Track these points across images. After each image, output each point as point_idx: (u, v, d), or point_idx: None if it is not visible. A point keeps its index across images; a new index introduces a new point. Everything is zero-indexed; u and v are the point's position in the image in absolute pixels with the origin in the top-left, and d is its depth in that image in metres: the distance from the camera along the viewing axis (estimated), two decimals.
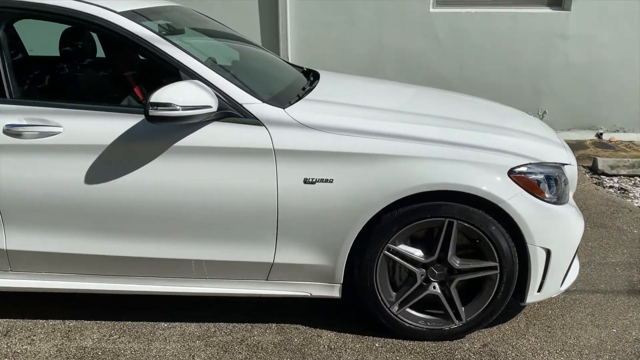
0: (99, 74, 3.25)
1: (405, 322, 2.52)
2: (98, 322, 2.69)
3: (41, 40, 3.62)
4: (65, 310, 2.76)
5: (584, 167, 5.03)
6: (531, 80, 5.84)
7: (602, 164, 4.92)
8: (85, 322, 2.69)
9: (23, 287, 2.52)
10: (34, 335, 2.60)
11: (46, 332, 2.62)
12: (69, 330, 2.64)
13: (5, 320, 2.70)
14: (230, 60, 3.16)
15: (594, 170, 4.95)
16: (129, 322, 2.70)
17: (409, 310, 2.53)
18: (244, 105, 2.35)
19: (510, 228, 2.37)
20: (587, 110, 5.88)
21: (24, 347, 2.51)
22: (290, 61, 5.41)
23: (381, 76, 5.54)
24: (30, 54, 3.65)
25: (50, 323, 2.69)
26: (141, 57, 3.14)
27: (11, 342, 2.55)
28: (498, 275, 2.44)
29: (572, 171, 2.65)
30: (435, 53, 5.81)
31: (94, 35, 3.23)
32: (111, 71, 3.23)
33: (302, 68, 3.52)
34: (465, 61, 5.83)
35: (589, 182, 4.71)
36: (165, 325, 2.68)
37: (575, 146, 5.56)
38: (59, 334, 2.61)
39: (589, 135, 5.90)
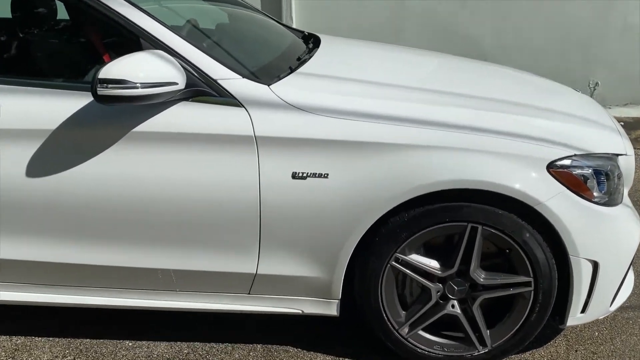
0: (58, 41, 3.07)
1: (417, 347, 2.34)
2: (51, 339, 2.55)
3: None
4: (14, 324, 2.62)
5: None
6: (582, 47, 5.53)
7: None
8: (36, 339, 2.55)
9: None
10: None
11: None
12: (16, 349, 2.49)
13: None
14: (213, 23, 2.97)
15: None
16: (87, 340, 2.55)
17: (421, 332, 2.34)
18: (218, 82, 2.17)
19: (548, 235, 2.17)
20: None
21: None
22: (294, 25, 5.17)
23: (401, 41, 5.26)
24: None
25: None
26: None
27: None
28: (532, 292, 2.24)
29: (628, 162, 2.43)
30: (466, 15, 5.52)
31: None
32: (73, 37, 3.06)
33: (302, 32, 3.30)
34: (502, 24, 5.53)
35: None
36: (130, 344, 2.53)
37: (632, 125, 5.25)
38: (3, 353, 2.47)
39: None
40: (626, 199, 2.41)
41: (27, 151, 2.17)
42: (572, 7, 5.45)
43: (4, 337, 2.56)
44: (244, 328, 2.61)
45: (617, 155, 2.33)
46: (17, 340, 2.55)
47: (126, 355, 2.47)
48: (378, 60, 2.99)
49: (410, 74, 2.77)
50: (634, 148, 4.21)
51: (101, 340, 2.54)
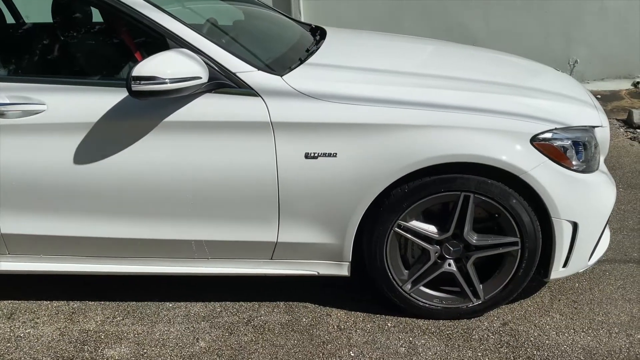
0: (94, 42, 3.07)
1: (419, 300, 2.38)
2: (102, 302, 2.62)
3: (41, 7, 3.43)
4: (70, 290, 2.69)
5: (617, 120, 4.68)
6: (562, 27, 5.43)
7: (639, 116, 4.55)
8: (90, 302, 2.62)
9: (22, 270, 2.44)
10: (38, 318, 2.54)
11: (50, 315, 2.56)
12: (73, 312, 2.57)
13: (9, 302, 2.64)
14: (230, 21, 2.95)
15: (629, 123, 4.59)
16: (134, 302, 2.61)
17: (422, 288, 2.38)
18: (237, 74, 2.16)
19: (533, 201, 2.18)
20: (623, 57, 5.47)
21: (27, 331, 2.45)
22: (302, 20, 5.13)
23: (400, 29, 5.21)
24: (26, 21, 3.49)
25: (54, 304, 2.62)
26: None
27: (14, 325, 2.50)
28: (519, 251, 2.27)
29: (603, 134, 2.41)
30: (458, 2, 5.43)
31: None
32: (108, 38, 3.05)
33: (310, 25, 3.28)
34: (490, 8, 5.43)
35: (623, 138, 4.38)
36: (170, 305, 2.59)
37: (609, 97, 5.18)
38: (62, 316, 2.54)
39: (624, 85, 5.48)
40: (602, 165, 2.41)
41: (71, 142, 2.19)
42: None
43: (63, 302, 2.64)
44: (268, 288, 2.64)
45: (594, 127, 2.32)
46: (74, 305, 2.62)
47: (167, 314, 2.53)
48: (379, 48, 2.96)
49: (408, 60, 2.74)
50: (609, 118, 4.20)
51: (145, 303, 2.60)
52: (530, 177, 2.11)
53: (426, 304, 2.38)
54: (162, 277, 2.61)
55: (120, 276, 2.56)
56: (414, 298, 2.37)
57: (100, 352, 2.33)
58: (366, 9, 5.51)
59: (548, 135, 2.16)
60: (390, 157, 2.13)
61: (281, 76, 2.20)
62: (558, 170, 2.15)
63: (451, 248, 2.30)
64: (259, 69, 2.19)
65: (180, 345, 2.34)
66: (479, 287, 2.35)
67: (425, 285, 2.37)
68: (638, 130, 4.49)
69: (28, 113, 2.19)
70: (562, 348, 2.26)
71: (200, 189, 2.21)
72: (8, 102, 2.19)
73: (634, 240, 2.97)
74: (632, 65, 5.49)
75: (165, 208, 2.25)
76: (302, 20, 5.02)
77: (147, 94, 2.01)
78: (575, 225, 2.20)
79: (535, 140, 2.14)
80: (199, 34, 2.17)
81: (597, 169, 2.29)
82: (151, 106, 2.15)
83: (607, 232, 2.48)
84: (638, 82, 5.47)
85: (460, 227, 2.26)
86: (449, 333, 2.35)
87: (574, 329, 2.35)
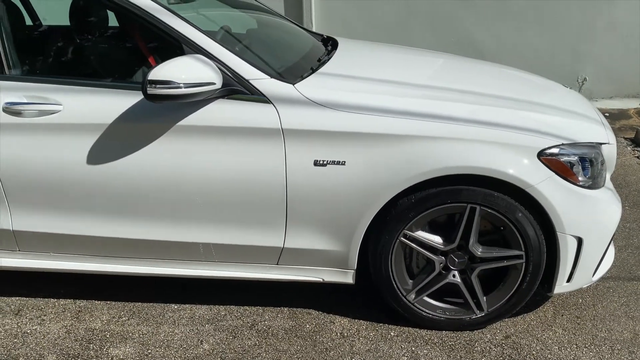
0: (110, 45, 3.12)
1: (423, 310, 2.39)
2: (108, 302, 2.65)
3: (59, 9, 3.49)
4: (77, 289, 2.73)
5: (625, 139, 4.69)
6: (572, 44, 5.46)
7: None
8: (96, 302, 2.65)
9: (32, 267, 2.48)
10: (45, 315, 2.57)
11: (56, 312, 2.59)
12: (79, 311, 2.60)
13: (17, 298, 2.68)
14: (244, 29, 3.00)
15: (636, 142, 4.60)
16: (140, 302, 2.64)
17: (426, 298, 2.39)
18: (250, 81, 2.20)
19: (538, 215, 2.19)
20: (632, 76, 5.49)
21: (33, 328, 2.49)
22: (314, 29, 5.19)
23: (409, 41, 5.26)
24: (44, 23, 3.56)
25: (61, 302, 2.65)
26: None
27: (22, 321, 2.53)
28: (524, 264, 2.28)
29: (610, 151, 2.43)
30: (467, 15, 5.48)
31: None
32: (123, 42, 3.10)
33: (321, 36, 3.32)
34: (500, 23, 5.48)
35: (630, 156, 4.39)
36: (176, 307, 2.61)
37: (617, 116, 5.20)
38: (69, 314, 2.57)
39: (632, 104, 5.50)
40: (608, 182, 2.42)
41: (85, 142, 2.23)
42: (561, 8, 5.38)
43: (70, 300, 2.67)
44: (273, 293, 2.66)
45: (601, 144, 2.33)
46: (80, 303, 2.65)
47: (172, 316, 2.55)
48: (389, 60, 2.99)
49: (418, 72, 2.77)
50: (617, 137, 4.22)
51: (151, 304, 2.63)
52: (537, 191, 2.13)
53: (429, 314, 2.39)
54: (168, 279, 2.62)
55: (126, 276, 2.58)
56: (418, 308, 2.39)
57: (105, 350, 2.35)
58: (377, 20, 5.57)
59: (555, 150, 2.18)
60: (398, 167, 2.15)
61: (293, 84, 2.24)
62: (564, 185, 2.16)
63: (456, 259, 2.32)
64: (271, 76, 2.22)
65: (185, 347, 2.36)
66: (483, 300, 2.36)
67: (429, 296, 2.39)
68: None
69: (44, 113, 2.23)
70: None
71: (209, 193, 2.24)
72: (25, 101, 2.24)
73: (639, 258, 2.98)
74: None
75: (175, 210, 2.28)
76: (314, 29, 5.08)
77: (162, 97, 2.05)
78: (580, 241, 2.21)
79: (542, 155, 2.16)
80: (214, 40, 2.21)
81: (603, 186, 2.30)
82: (165, 110, 2.18)
83: (611, 249, 2.49)
84: None
85: (465, 238, 2.27)
86: (452, 344, 2.36)
87: (576, 344, 2.36)
